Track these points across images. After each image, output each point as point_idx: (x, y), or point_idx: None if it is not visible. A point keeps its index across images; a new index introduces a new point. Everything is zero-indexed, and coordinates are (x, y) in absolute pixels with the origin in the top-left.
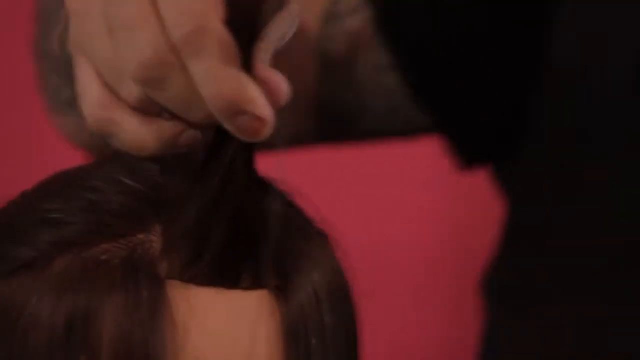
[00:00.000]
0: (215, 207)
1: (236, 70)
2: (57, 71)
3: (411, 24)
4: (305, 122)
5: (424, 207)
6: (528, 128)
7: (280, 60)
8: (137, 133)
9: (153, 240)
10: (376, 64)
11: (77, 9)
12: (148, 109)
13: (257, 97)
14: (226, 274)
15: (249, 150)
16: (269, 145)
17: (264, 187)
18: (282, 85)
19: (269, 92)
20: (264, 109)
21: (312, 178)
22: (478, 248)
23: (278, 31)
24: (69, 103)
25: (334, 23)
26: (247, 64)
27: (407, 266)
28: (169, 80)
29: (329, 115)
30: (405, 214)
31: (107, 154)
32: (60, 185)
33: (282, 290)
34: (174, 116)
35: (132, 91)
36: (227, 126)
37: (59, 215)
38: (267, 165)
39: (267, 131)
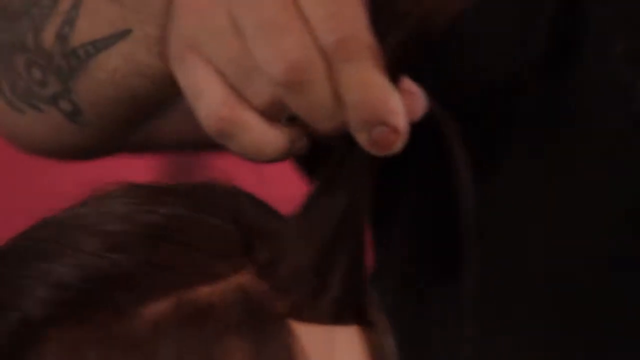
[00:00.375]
0: (336, 241)
1: (385, 79)
2: (44, 66)
3: None
4: None
5: None
6: None
7: None
8: (262, 136)
9: (253, 279)
10: None
11: (196, 5)
12: (273, 113)
13: (400, 109)
14: (345, 311)
15: (371, 177)
16: None
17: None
18: (422, 99)
19: (408, 105)
20: (402, 122)
21: None
22: None
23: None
24: (53, 99)
25: None
26: (391, 74)
27: None
28: (314, 84)
29: None
30: None
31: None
32: (144, 227)
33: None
34: (293, 122)
35: (260, 93)
36: (361, 136)
37: (152, 259)
38: None
39: (399, 145)
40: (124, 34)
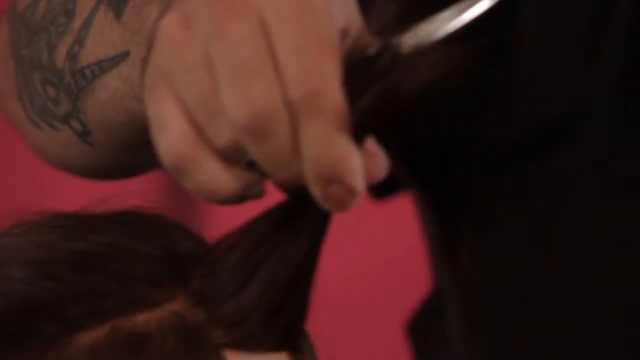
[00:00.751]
0: (275, 270)
1: (347, 138)
2: (56, 84)
3: None
4: None
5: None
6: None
7: None
8: (216, 177)
9: (188, 307)
10: None
11: (173, 35)
12: (232, 156)
13: (358, 169)
14: (281, 339)
15: (323, 225)
16: None
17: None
18: (383, 161)
19: (369, 166)
20: (359, 182)
21: None
22: None
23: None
24: (65, 118)
25: None
26: (355, 133)
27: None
28: (274, 134)
29: None
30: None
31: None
32: (74, 254)
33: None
34: (252, 168)
35: (222, 134)
36: (315, 191)
37: (85, 287)
38: None
39: (353, 205)
40: (123, 55)
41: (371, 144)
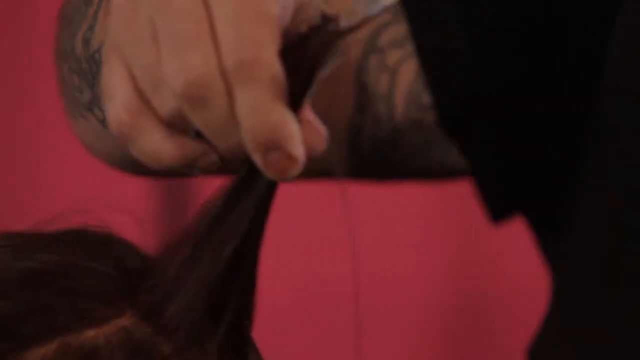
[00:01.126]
0: (223, 283)
1: (282, 106)
2: (78, 72)
3: (452, 63)
4: (337, 154)
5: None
6: (578, 182)
7: (319, 91)
8: (159, 144)
9: (136, 322)
10: (416, 101)
11: (123, 9)
12: (176, 124)
13: (296, 136)
14: (228, 352)
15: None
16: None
17: None
18: (322, 132)
19: (308, 135)
20: (298, 149)
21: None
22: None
23: (325, 70)
24: (89, 106)
25: (373, 55)
26: (293, 101)
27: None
28: (211, 102)
29: (362, 148)
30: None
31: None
32: (22, 272)
33: None
34: (199, 137)
35: (165, 103)
36: (256, 159)
37: (34, 304)
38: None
39: (294, 172)
40: None
41: (309, 114)
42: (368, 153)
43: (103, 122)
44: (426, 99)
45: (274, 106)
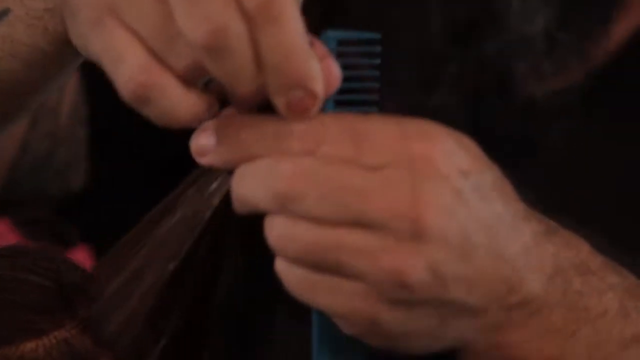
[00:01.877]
0: (162, 295)
1: (305, 43)
2: None
3: None
4: None
5: None
6: None
7: None
8: (180, 101)
9: (76, 334)
10: None
11: None
12: (192, 78)
13: (319, 75)
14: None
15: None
16: None
17: None
18: (336, 69)
19: (325, 71)
20: (320, 86)
21: None
22: None
23: None
24: None
25: None
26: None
27: None
28: (233, 48)
29: None
30: None
31: None
32: None
33: None
34: (209, 87)
35: (181, 58)
36: (278, 99)
37: None
38: None
39: (314, 110)
40: (4, 12)
41: (321, 48)
42: None
43: None
44: None
45: (298, 44)
